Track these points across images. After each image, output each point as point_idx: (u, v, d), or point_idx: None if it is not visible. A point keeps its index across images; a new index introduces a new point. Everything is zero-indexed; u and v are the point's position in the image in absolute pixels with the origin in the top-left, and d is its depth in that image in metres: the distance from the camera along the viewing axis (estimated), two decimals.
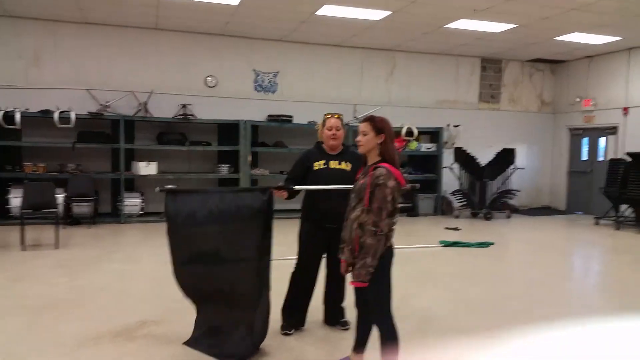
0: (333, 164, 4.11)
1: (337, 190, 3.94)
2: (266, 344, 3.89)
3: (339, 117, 4.18)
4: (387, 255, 3.14)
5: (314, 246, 4.18)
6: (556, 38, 10.54)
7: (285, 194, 3.90)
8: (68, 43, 9.94)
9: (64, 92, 9.76)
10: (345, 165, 4.12)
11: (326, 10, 8.85)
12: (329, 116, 4.17)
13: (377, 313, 3.24)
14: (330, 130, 4.10)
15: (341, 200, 3.96)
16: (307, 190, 4.14)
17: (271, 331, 3.90)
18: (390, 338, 3.19)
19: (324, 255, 4.23)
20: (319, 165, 4.11)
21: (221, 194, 3.95)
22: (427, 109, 12.36)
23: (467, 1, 8.22)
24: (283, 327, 4.22)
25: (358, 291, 3.33)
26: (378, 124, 3.17)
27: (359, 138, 3.23)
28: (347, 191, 3.95)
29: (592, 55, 12.27)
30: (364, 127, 3.20)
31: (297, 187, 4.00)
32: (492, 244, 8.30)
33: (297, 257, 4.25)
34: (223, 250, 3.73)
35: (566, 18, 8.97)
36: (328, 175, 4.06)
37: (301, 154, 4.32)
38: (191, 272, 3.84)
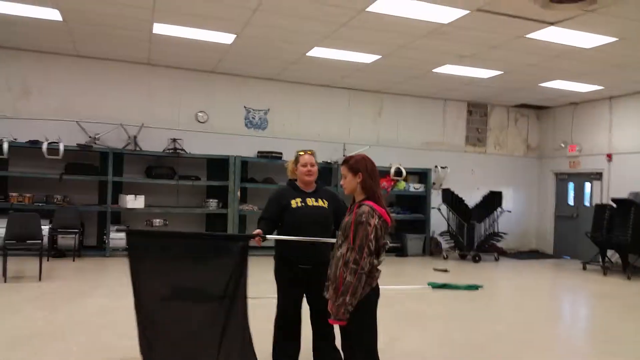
0: (310, 202, 4.02)
1: (314, 231, 3.88)
2: None
3: (312, 154, 4.12)
4: (372, 296, 3.10)
5: (291, 288, 4.04)
6: (541, 84, 10.82)
7: (260, 241, 3.84)
8: (58, 75, 9.99)
9: (53, 124, 9.75)
10: (323, 203, 4.05)
11: (317, 52, 9.04)
12: (302, 153, 4.10)
13: (361, 356, 3.17)
14: (304, 166, 4.02)
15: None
16: (281, 231, 4.01)
17: None
18: None
19: (304, 295, 4.10)
20: (296, 203, 3.98)
21: (192, 239, 4.04)
22: (415, 150, 12.52)
23: (453, 47, 8.44)
24: None
25: (343, 332, 3.29)
26: (353, 165, 3.21)
27: (341, 181, 3.28)
28: (323, 232, 3.94)
29: (577, 102, 12.58)
30: (342, 170, 3.28)
31: (270, 236, 3.90)
32: (480, 287, 8.27)
33: (276, 301, 4.11)
34: (192, 290, 3.72)
35: (550, 65, 9.23)
36: (306, 213, 3.96)
37: (274, 192, 4.19)
38: (160, 312, 3.76)
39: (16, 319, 5.38)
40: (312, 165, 4.05)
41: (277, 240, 4.02)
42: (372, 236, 3.01)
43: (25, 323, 5.25)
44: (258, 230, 3.84)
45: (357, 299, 2.99)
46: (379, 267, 3.13)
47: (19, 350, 4.47)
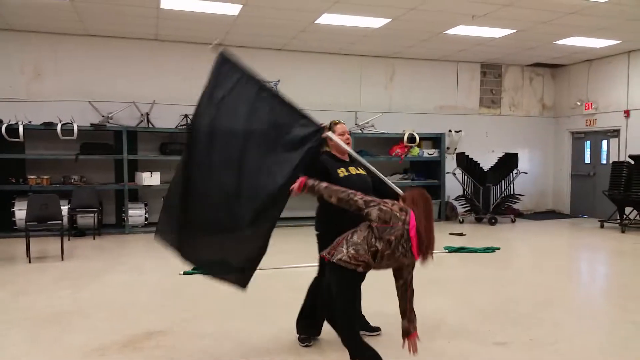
0: (353, 171, 3.95)
1: None
2: (269, 346, 3.87)
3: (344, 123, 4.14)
4: (352, 274, 3.13)
5: None
6: (555, 42, 10.57)
7: (302, 183, 3.43)
8: (69, 55, 9.99)
9: (66, 104, 9.81)
10: (362, 171, 4.00)
11: (326, 19, 8.90)
12: (337, 122, 4.06)
13: (339, 324, 3.25)
14: (343, 135, 3.97)
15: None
16: (327, 204, 3.58)
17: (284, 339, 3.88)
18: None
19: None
20: (342, 172, 3.88)
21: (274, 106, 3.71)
22: (428, 114, 12.38)
23: (466, 7, 8.25)
24: (302, 340, 4.14)
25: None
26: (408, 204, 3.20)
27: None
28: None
29: (592, 59, 12.30)
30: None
31: (311, 181, 3.49)
32: (497, 249, 8.28)
33: (318, 270, 4.02)
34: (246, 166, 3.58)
35: (564, 22, 9.00)
36: (354, 182, 3.77)
37: (316, 161, 3.88)
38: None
39: (43, 298, 5.51)
40: (348, 134, 4.05)
41: (323, 216, 3.88)
42: (377, 216, 3.08)
43: (52, 302, 5.38)
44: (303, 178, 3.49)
45: (317, 192, 3.32)
46: (373, 267, 3.15)
47: (48, 327, 4.59)
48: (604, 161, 12.35)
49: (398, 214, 3.09)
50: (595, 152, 12.69)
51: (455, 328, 4.60)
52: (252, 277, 3.66)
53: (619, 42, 10.55)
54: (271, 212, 3.59)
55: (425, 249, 3.11)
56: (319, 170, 3.82)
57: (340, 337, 3.24)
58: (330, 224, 3.74)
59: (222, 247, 3.66)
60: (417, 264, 3.24)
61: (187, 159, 3.64)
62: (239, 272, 3.67)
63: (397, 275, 3.29)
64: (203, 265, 3.81)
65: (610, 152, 12.16)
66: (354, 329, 3.21)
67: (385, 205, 3.13)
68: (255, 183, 3.56)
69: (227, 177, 3.57)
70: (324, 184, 3.32)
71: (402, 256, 3.10)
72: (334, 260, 3.12)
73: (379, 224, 3.08)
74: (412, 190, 3.29)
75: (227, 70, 3.75)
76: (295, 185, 3.40)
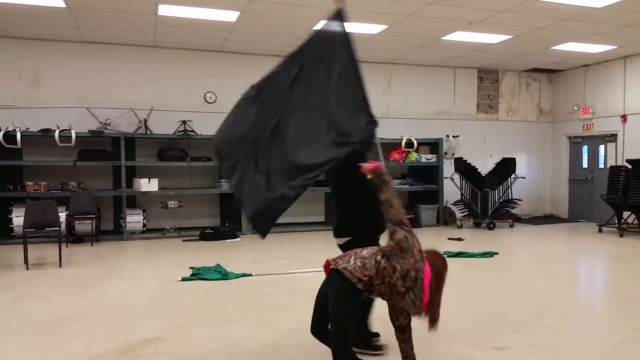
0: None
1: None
2: (266, 352, 3.86)
3: None
4: (356, 292, 3.09)
5: None
6: (552, 48, 10.62)
7: (376, 167, 3.42)
8: (67, 62, 10.02)
9: (64, 111, 9.82)
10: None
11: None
12: None
13: (331, 333, 3.17)
14: None
15: None
16: (358, 201, 3.79)
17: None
18: None
19: None
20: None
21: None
22: (426, 120, 12.42)
23: (463, 14, 8.29)
24: (374, 348, 4.07)
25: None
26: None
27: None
28: None
29: (589, 64, 12.35)
30: None
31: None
32: (496, 253, 8.28)
33: None
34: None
35: (561, 28, 9.05)
36: (374, 188, 3.61)
37: (364, 154, 3.92)
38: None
39: (41, 305, 5.49)
40: None
41: (364, 215, 3.87)
42: (399, 240, 3.09)
43: (50, 308, 5.36)
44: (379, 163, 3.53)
45: (382, 182, 3.30)
46: (373, 287, 3.11)
47: (46, 334, 4.57)
48: (601, 165, 12.39)
49: (415, 253, 3.07)
50: (593, 156, 12.73)
51: (454, 333, 4.59)
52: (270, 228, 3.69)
53: (615, 47, 10.61)
54: (301, 178, 3.53)
55: (431, 309, 3.07)
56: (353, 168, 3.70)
57: (332, 350, 3.19)
58: (363, 229, 3.81)
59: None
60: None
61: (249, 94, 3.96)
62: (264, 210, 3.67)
63: (394, 317, 3.24)
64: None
65: (607, 156, 12.20)
66: (347, 343, 3.16)
67: (412, 238, 3.12)
68: (292, 147, 3.68)
69: (270, 124, 3.87)
70: (390, 178, 3.33)
71: (412, 303, 3.02)
72: (339, 268, 3.10)
73: (395, 246, 3.09)
74: (433, 251, 3.24)
75: (335, 27, 3.92)
76: (370, 165, 3.46)
